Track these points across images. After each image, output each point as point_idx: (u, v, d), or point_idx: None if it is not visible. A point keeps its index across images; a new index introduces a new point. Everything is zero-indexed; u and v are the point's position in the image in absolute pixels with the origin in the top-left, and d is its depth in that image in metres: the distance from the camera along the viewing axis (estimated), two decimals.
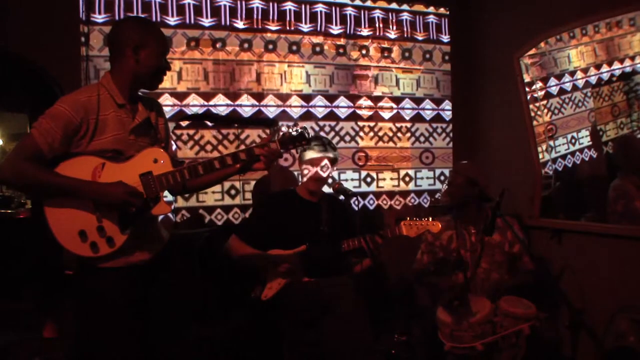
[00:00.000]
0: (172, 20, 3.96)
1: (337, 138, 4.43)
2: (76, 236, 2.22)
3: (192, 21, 4.03)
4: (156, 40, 2.32)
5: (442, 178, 4.78)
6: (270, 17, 4.28)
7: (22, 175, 2.17)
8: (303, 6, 4.37)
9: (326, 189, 3.45)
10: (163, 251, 2.48)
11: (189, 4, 4.01)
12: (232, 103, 4.16)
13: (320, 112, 4.43)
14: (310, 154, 3.23)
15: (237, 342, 3.30)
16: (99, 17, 3.75)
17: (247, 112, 4.21)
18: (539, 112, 3.95)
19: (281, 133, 2.47)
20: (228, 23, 4.15)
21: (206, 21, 4.06)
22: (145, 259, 2.37)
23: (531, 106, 3.94)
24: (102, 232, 2.23)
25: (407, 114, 4.71)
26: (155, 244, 2.44)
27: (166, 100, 3.94)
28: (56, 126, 2.16)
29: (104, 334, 2.28)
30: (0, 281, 3.44)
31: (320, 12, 4.43)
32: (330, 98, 4.47)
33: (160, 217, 2.56)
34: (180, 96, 4.01)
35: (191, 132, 4.04)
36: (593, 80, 3.65)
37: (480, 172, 3.39)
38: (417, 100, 4.73)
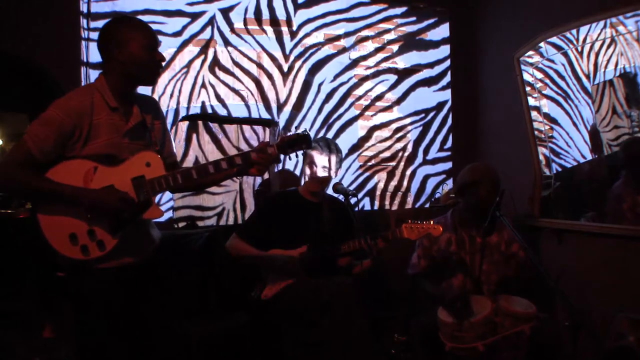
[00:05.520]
0: None
1: (336, 136, 4.44)
2: (67, 239, 2.22)
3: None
4: (141, 35, 2.29)
5: (442, 177, 4.79)
6: (272, 17, 4.29)
7: (14, 182, 2.18)
8: (304, 6, 4.37)
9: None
10: (155, 252, 2.48)
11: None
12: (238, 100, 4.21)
13: (320, 110, 4.45)
14: (313, 155, 3.22)
15: (237, 342, 3.30)
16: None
17: (249, 107, 4.23)
18: (539, 113, 3.95)
19: (280, 137, 2.44)
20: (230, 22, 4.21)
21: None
22: (135, 262, 2.37)
23: (531, 103, 3.94)
24: (92, 236, 2.23)
25: (407, 113, 4.71)
26: (145, 247, 2.44)
27: None
28: (49, 131, 2.15)
29: (96, 334, 2.29)
30: (0, 281, 3.44)
31: (321, 12, 4.43)
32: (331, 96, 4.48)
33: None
34: None
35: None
36: (593, 78, 3.65)
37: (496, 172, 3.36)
38: (417, 99, 4.73)
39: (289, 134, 2.41)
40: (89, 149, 2.23)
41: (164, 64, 2.44)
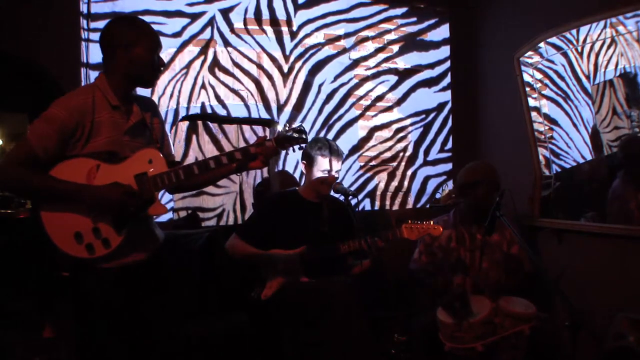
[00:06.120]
0: None
1: (337, 137, 4.44)
2: (72, 238, 2.22)
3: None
4: (146, 38, 2.31)
5: (443, 178, 4.78)
6: (272, 17, 4.29)
7: (17, 181, 2.18)
8: (304, 6, 4.37)
9: None
10: (158, 251, 2.49)
11: None
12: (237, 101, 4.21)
13: (321, 110, 4.44)
14: (326, 160, 3.21)
15: (237, 342, 3.30)
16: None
17: (249, 108, 4.23)
18: (538, 114, 3.94)
19: (278, 131, 2.47)
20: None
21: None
22: (139, 259, 2.37)
23: (531, 104, 3.94)
24: (97, 234, 2.24)
25: (407, 114, 4.70)
26: (149, 244, 2.45)
27: None
28: (51, 130, 2.16)
29: (99, 334, 2.29)
30: (0, 281, 3.44)
31: (322, 12, 4.43)
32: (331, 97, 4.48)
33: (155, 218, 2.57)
34: None
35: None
36: (593, 79, 3.64)
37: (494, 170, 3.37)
38: (417, 100, 4.72)
39: (286, 128, 2.47)
40: (90, 147, 2.24)
41: (162, 67, 2.45)
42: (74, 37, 3.76)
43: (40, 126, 2.17)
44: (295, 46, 4.36)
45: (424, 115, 4.75)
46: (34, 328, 3.29)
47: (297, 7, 4.36)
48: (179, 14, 4.06)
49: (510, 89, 4.05)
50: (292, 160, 4.29)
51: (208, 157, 2.38)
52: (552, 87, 3.89)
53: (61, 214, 2.23)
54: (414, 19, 4.71)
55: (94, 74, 3.73)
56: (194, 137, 4.07)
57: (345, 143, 4.41)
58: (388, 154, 4.64)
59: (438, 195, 4.67)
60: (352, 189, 4.41)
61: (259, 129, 4.21)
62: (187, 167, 2.35)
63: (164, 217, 3.86)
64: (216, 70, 4.14)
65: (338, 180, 3.29)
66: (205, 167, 2.36)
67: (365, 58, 4.57)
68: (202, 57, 4.11)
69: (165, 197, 3.89)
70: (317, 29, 4.42)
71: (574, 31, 3.59)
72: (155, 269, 2.48)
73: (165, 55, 3.95)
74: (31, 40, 3.58)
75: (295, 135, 2.46)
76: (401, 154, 4.68)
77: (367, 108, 4.58)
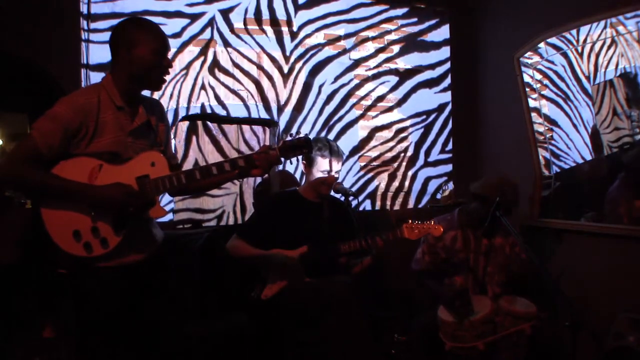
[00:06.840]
0: None
1: (337, 137, 4.45)
2: (70, 236, 2.22)
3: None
4: (149, 39, 2.30)
5: (444, 179, 4.78)
6: (272, 17, 4.29)
7: (20, 177, 2.18)
8: (304, 7, 4.37)
9: None
10: (157, 251, 2.49)
11: None
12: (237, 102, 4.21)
13: (321, 111, 4.45)
14: (326, 161, 3.21)
15: (237, 342, 3.30)
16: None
17: (249, 108, 4.23)
18: (538, 114, 3.94)
19: (282, 140, 2.47)
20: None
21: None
22: (138, 260, 2.38)
23: (531, 104, 3.94)
24: (96, 233, 2.24)
25: (408, 114, 4.70)
26: (148, 245, 2.45)
27: None
28: (56, 128, 2.16)
29: (98, 333, 2.30)
30: (0, 281, 3.43)
31: (322, 13, 4.43)
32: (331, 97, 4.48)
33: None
34: None
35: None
36: (593, 79, 3.64)
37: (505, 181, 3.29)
38: (417, 101, 4.72)
39: (289, 138, 2.45)
40: (94, 147, 2.25)
41: (169, 68, 2.43)
42: (74, 38, 3.76)
43: (45, 124, 2.17)
44: (296, 46, 4.36)
45: (424, 116, 4.75)
46: (34, 328, 3.29)
47: (298, 8, 4.36)
48: (178, 14, 4.05)
49: (510, 89, 4.06)
50: (292, 160, 4.28)
51: (211, 163, 2.38)
52: (552, 88, 3.89)
53: (61, 212, 2.23)
54: (415, 19, 4.71)
55: (94, 75, 3.73)
56: (194, 137, 4.07)
57: (345, 144, 4.41)
58: (389, 155, 4.64)
59: (439, 196, 4.67)
60: (353, 189, 4.41)
61: (259, 129, 4.21)
62: (189, 171, 2.35)
63: (165, 218, 3.85)
64: (216, 70, 4.14)
65: (338, 181, 3.29)
66: (207, 173, 2.37)
67: (365, 58, 4.57)
68: (202, 58, 4.11)
69: (165, 198, 3.89)
70: (318, 30, 4.42)
71: (574, 31, 3.59)
72: (155, 269, 2.48)
73: None
74: (31, 40, 3.59)
75: (300, 144, 2.44)
76: (402, 155, 4.68)
77: (368, 109, 4.58)
